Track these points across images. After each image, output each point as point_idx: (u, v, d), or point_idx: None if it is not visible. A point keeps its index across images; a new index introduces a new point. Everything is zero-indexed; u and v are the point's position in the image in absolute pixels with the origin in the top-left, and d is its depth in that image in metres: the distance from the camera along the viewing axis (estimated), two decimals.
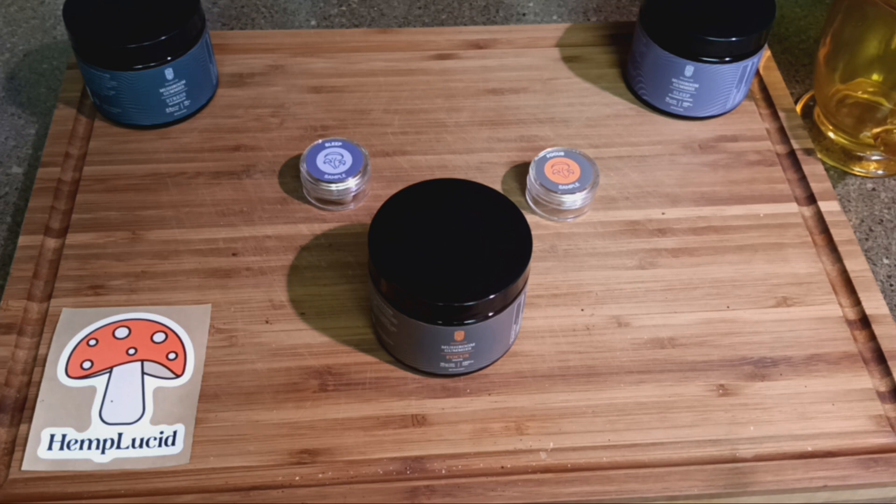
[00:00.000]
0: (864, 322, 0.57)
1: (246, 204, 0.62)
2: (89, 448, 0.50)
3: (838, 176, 0.70)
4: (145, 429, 0.51)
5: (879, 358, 0.56)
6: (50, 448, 0.50)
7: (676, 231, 0.62)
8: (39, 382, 0.52)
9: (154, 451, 0.50)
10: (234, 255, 0.59)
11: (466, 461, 0.50)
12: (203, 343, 0.54)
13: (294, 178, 0.64)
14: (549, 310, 0.57)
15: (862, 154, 0.70)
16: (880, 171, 0.70)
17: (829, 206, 0.63)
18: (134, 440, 0.50)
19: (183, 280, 0.58)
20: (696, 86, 0.66)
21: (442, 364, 0.52)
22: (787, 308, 0.58)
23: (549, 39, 0.75)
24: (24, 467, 0.49)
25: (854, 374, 0.55)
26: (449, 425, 0.52)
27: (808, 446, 0.52)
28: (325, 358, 0.54)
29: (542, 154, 0.63)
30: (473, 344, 0.51)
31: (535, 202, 0.62)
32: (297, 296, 0.57)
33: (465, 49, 0.74)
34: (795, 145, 0.68)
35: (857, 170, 0.70)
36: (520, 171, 0.65)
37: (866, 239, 0.66)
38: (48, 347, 0.54)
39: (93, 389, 0.52)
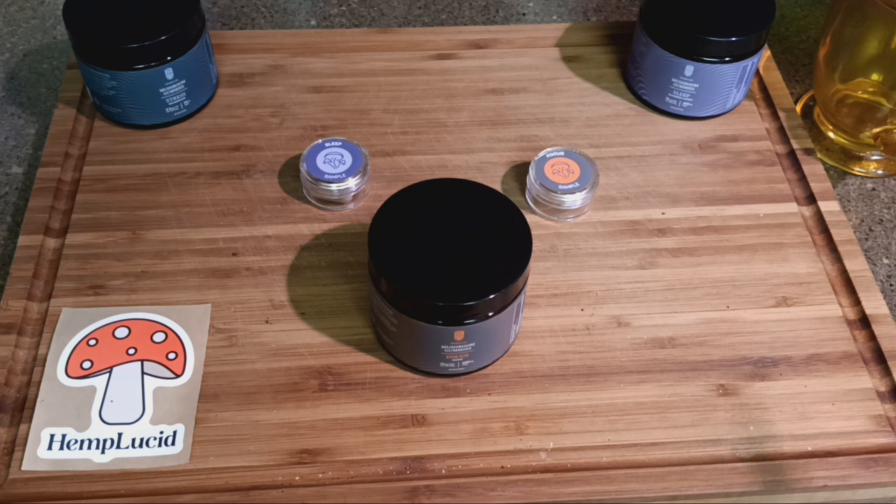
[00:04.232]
0: (863, 322, 0.57)
1: (246, 204, 0.62)
2: (89, 448, 0.50)
3: (838, 176, 0.70)
4: (145, 429, 0.51)
5: (879, 358, 0.56)
6: (50, 448, 0.50)
7: (676, 231, 0.62)
8: (39, 382, 0.52)
9: (154, 451, 0.50)
10: (234, 255, 0.59)
11: (466, 461, 0.50)
12: (203, 343, 0.54)
13: (294, 178, 0.64)
14: (549, 310, 0.57)
15: (862, 154, 0.70)
16: (880, 171, 0.70)
17: (828, 206, 0.63)
18: (134, 440, 0.50)
19: (183, 280, 0.58)
20: (696, 86, 0.66)
21: (442, 364, 0.52)
22: (786, 308, 0.58)
23: (549, 39, 0.75)
24: (23, 467, 0.49)
25: (854, 374, 0.55)
26: (449, 425, 0.52)
27: (808, 446, 0.52)
28: (325, 358, 0.54)
29: (542, 154, 0.63)
30: (473, 344, 0.51)
31: (535, 202, 0.62)
32: (297, 296, 0.57)
33: (465, 49, 0.74)
34: (795, 145, 0.68)
35: (857, 170, 0.70)
36: (520, 171, 0.65)
37: (866, 239, 0.66)
38: (48, 347, 0.54)
39: (93, 389, 0.52)
